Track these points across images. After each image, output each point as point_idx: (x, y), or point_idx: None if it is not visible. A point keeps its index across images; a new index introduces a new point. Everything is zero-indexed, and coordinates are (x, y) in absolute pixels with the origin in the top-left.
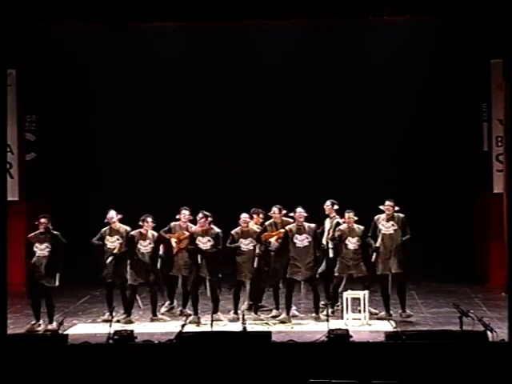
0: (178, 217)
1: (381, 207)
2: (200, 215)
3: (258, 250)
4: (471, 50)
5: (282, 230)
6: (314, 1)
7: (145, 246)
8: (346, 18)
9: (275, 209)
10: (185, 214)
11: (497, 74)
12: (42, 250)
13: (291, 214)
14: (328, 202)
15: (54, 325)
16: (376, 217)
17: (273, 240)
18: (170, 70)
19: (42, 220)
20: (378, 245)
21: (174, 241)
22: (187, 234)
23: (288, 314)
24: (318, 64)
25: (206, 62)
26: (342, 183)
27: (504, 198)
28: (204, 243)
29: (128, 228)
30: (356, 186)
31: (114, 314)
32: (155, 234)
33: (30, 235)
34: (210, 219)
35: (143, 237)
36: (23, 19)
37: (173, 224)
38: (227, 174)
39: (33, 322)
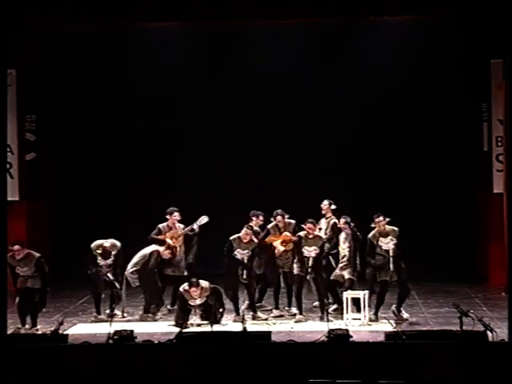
0: (167, 217)
1: (372, 225)
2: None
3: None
4: (471, 50)
5: (288, 234)
6: (314, 1)
7: None
8: (345, 18)
9: (279, 217)
10: (175, 215)
11: (497, 74)
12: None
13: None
14: (325, 202)
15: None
16: (370, 234)
17: (277, 243)
18: (171, 70)
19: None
20: (378, 262)
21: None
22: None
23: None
24: (317, 64)
25: (206, 62)
26: (342, 184)
27: (504, 198)
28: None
29: None
30: (355, 187)
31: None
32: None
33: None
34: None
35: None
36: (23, 19)
37: (161, 226)
38: (227, 174)
39: (19, 326)
